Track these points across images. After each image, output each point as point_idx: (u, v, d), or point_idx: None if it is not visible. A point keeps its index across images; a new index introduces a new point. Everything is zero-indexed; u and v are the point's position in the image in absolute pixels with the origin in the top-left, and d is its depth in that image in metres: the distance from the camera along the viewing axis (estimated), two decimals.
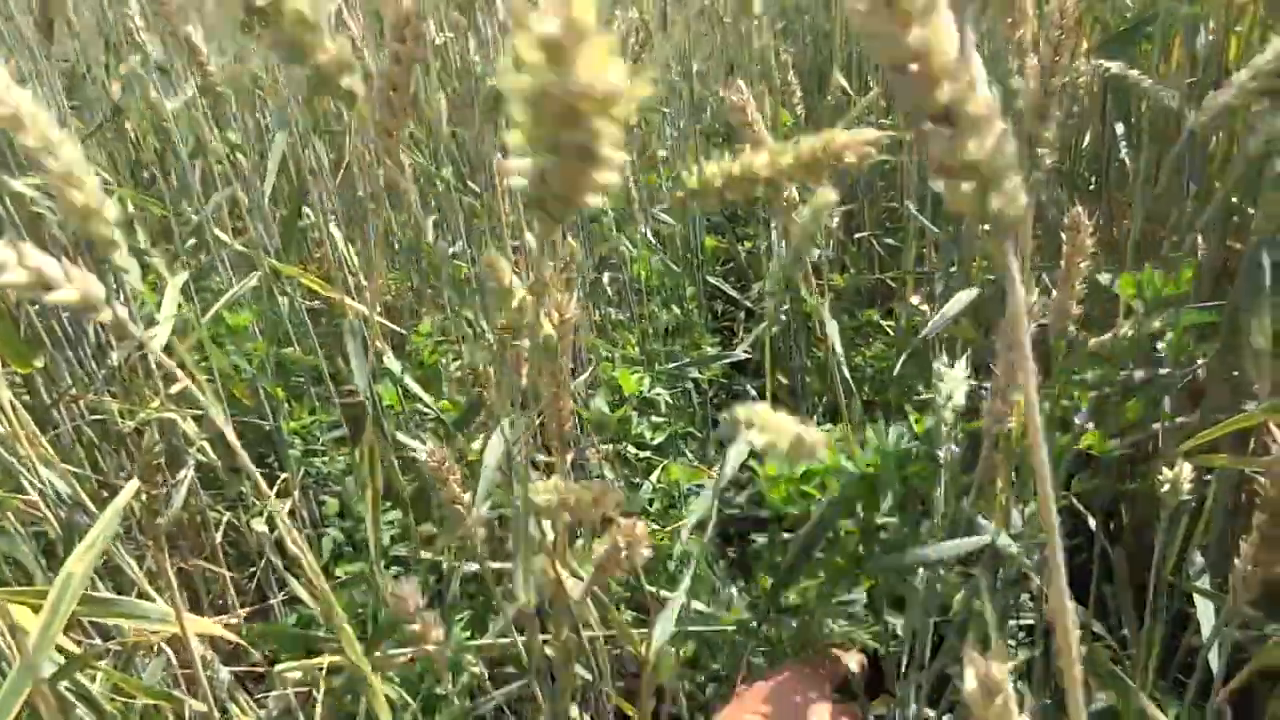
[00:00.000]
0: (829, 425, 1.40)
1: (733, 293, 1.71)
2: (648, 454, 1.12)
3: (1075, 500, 0.89)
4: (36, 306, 1.05)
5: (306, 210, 1.26)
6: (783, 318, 1.63)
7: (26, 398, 1.04)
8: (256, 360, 1.01)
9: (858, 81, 1.93)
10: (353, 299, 1.14)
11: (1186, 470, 0.56)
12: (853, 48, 2.00)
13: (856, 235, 1.75)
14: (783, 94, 1.67)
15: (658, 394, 1.11)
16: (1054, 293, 0.65)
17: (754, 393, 1.67)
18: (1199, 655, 0.68)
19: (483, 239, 1.57)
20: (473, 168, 1.56)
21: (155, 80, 1.03)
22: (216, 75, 0.99)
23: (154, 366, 1.15)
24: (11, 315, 0.97)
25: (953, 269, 1.25)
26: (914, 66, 0.22)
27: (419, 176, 1.32)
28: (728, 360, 1.51)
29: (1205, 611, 0.72)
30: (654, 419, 1.23)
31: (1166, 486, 0.56)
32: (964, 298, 0.90)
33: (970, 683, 0.24)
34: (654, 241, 1.57)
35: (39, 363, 1.00)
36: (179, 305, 1.00)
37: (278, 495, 1.21)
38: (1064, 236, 0.64)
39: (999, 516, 0.80)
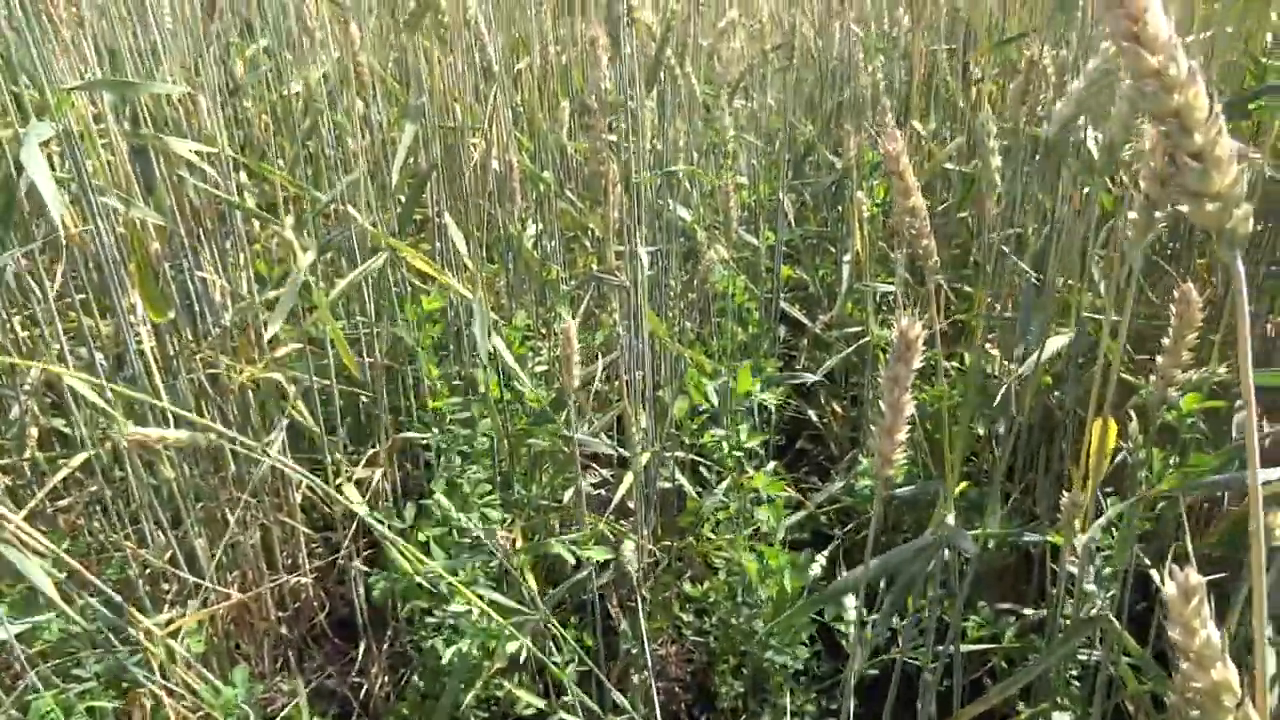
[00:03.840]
0: None
1: (803, 319, 1.75)
2: (727, 454, 1.16)
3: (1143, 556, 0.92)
4: (170, 263, 1.12)
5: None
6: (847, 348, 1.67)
7: (153, 344, 1.10)
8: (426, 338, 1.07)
9: (934, 126, 1.99)
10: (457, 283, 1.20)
11: None
12: (930, 99, 2.06)
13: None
14: (875, 135, 1.72)
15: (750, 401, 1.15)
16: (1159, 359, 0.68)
17: (815, 419, 1.71)
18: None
19: (572, 242, 1.64)
20: (572, 176, 1.62)
21: (294, 60, 1.10)
22: (365, 65, 1.06)
23: (261, 329, 1.22)
24: (153, 269, 1.04)
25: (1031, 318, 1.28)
26: (1174, 120, 0.30)
27: (524, 177, 1.39)
28: (794, 382, 1.56)
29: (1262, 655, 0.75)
30: (723, 432, 1.28)
31: (1265, 532, 0.59)
32: (1060, 340, 0.94)
33: (1170, 589, 0.29)
34: (732, 264, 1.63)
35: (170, 315, 1.07)
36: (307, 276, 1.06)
37: (367, 464, 1.27)
38: (1173, 309, 0.68)
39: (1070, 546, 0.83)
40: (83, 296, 1.01)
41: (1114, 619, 0.75)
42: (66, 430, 1.11)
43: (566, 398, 1.04)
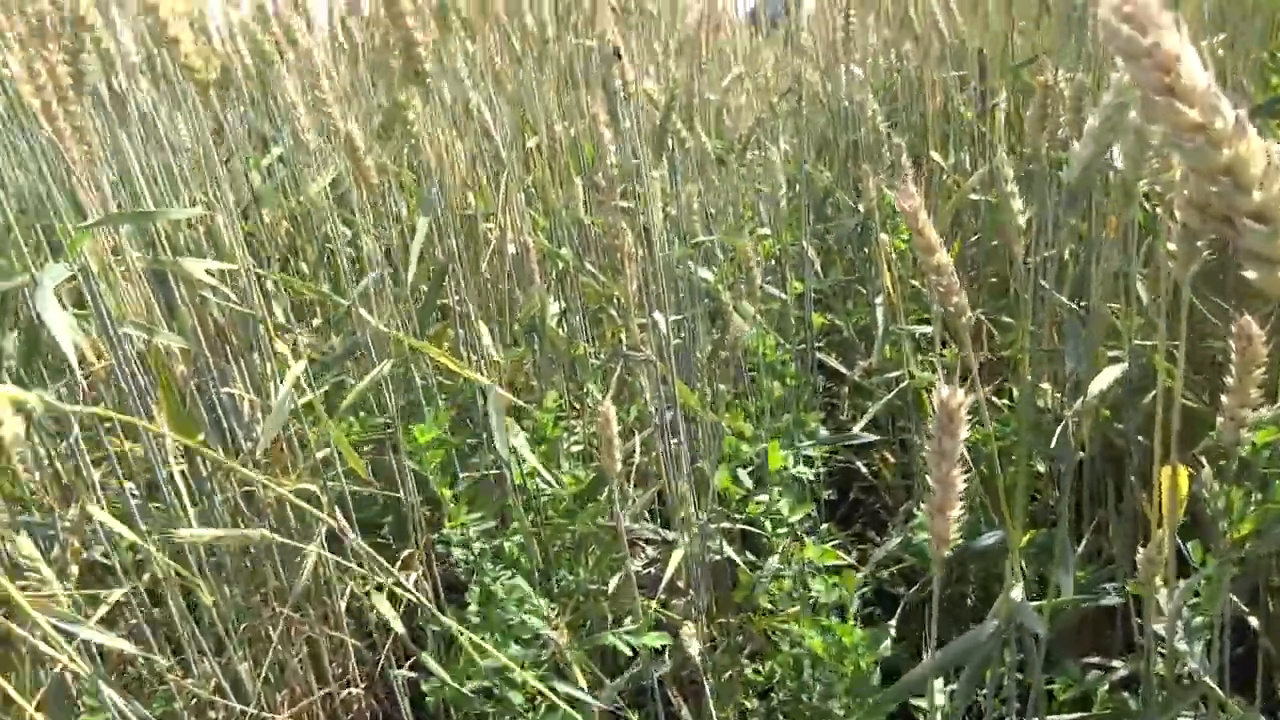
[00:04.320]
0: None
1: (840, 368, 1.71)
2: (773, 532, 1.11)
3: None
4: (196, 382, 1.12)
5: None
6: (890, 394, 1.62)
7: (185, 467, 1.10)
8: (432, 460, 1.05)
9: (953, 158, 1.95)
10: (482, 375, 1.18)
11: None
12: (946, 128, 2.03)
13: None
14: (891, 173, 1.69)
15: (794, 472, 1.11)
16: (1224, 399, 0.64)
17: (865, 470, 1.65)
18: None
19: (598, 313, 1.62)
20: (591, 248, 1.61)
21: (308, 167, 1.11)
22: (371, 166, 1.07)
23: (294, 441, 1.21)
24: (180, 391, 1.04)
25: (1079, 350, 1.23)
26: (1226, 179, 0.25)
27: (542, 257, 1.38)
28: (843, 441, 1.51)
29: None
30: (773, 498, 1.23)
31: None
32: (1111, 374, 0.89)
33: None
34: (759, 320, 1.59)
35: (200, 436, 1.07)
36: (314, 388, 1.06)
37: (401, 568, 1.24)
38: (1232, 345, 0.63)
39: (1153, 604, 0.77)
40: (109, 425, 1.01)
41: (1213, 684, 0.68)
42: (106, 561, 1.10)
43: (609, 481, 1.01)
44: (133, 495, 0.97)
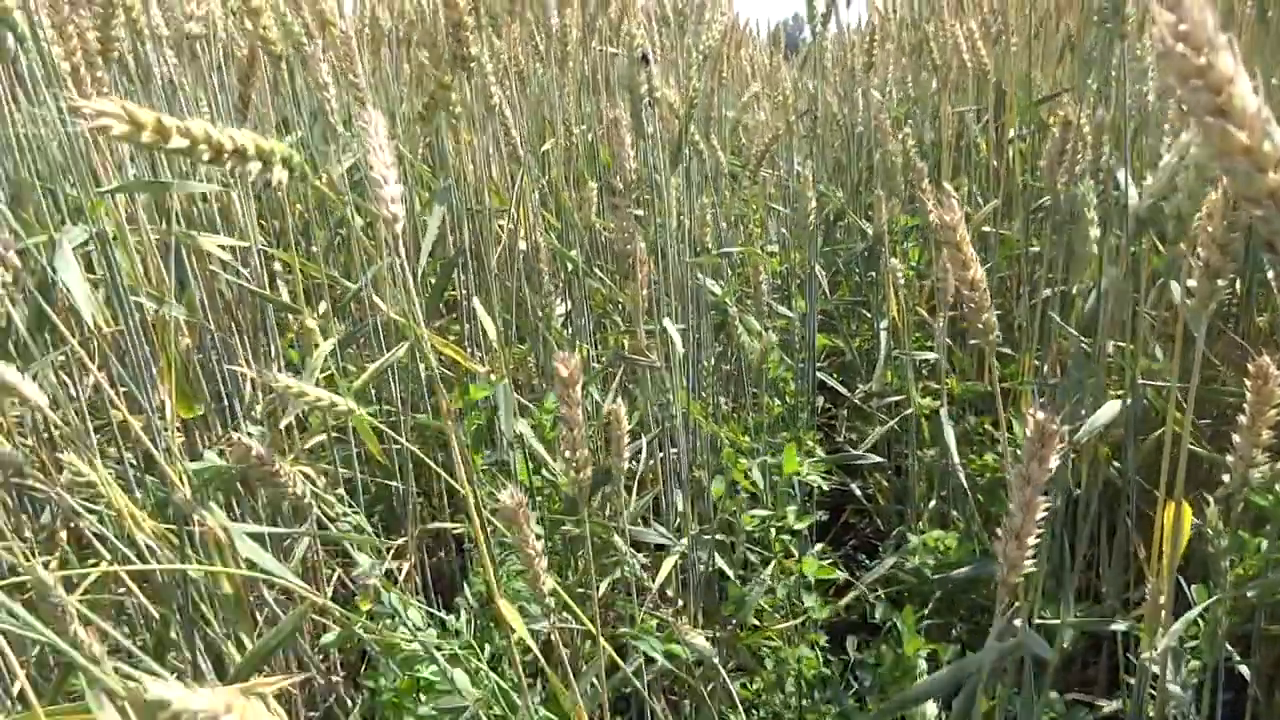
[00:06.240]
0: (939, 531, 1.38)
1: (841, 389, 1.71)
2: (776, 539, 1.11)
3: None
4: (200, 355, 1.12)
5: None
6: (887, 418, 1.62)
7: (181, 439, 1.09)
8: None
9: (968, 188, 1.96)
10: (484, 368, 1.18)
11: None
12: (963, 162, 2.04)
13: (969, 341, 1.75)
14: (910, 200, 1.70)
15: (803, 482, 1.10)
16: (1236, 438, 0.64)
17: (859, 494, 1.65)
18: None
19: (603, 318, 1.62)
20: (600, 252, 1.62)
21: (339, 148, 1.12)
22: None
23: (293, 420, 1.21)
24: (184, 364, 1.03)
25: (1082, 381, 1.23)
26: (1271, 203, 0.26)
27: (552, 257, 1.38)
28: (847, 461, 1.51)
29: None
30: (765, 514, 1.23)
31: None
32: (1111, 409, 0.89)
33: None
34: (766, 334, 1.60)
35: (199, 410, 1.06)
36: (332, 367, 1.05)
37: (395, 555, 1.23)
38: (1248, 384, 0.63)
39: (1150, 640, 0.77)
40: (112, 393, 1.01)
41: None
42: (97, 531, 1.10)
43: (615, 480, 1.00)
44: (131, 466, 0.96)
